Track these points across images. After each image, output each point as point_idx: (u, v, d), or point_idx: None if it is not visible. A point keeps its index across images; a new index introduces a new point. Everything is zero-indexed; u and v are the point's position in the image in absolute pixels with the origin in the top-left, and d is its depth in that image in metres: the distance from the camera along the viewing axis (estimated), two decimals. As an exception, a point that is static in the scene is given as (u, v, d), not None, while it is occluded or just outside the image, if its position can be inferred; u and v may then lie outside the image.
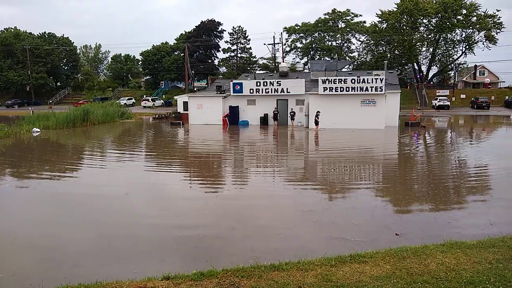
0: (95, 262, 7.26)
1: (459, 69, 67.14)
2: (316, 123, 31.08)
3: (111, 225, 9.22)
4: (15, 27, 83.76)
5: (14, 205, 11.06)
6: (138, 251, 7.71)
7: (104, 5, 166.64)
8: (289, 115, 34.69)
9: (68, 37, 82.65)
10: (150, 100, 64.17)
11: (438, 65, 70.08)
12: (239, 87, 36.28)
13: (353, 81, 30.87)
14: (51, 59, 76.70)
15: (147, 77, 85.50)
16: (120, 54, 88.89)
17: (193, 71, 66.41)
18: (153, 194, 12.11)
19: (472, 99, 56.89)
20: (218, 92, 38.07)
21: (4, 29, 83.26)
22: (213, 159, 18.94)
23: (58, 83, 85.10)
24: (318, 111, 31.21)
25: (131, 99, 69.62)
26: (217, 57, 78.96)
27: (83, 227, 9.15)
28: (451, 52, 66.58)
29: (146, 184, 13.45)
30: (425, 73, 70.68)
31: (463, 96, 61.13)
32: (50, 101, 73.64)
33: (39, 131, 31.24)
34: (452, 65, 66.78)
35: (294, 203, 10.96)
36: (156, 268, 6.74)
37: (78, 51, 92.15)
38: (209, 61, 75.79)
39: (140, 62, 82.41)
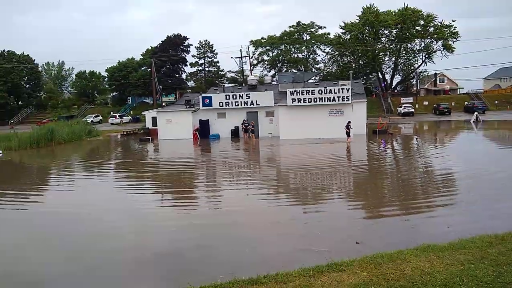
0: (71, 287, 7.01)
1: (421, 77, 69.93)
2: (348, 134, 28.68)
3: (83, 249, 8.93)
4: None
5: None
6: (115, 274, 7.50)
7: (65, 21, 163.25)
8: (241, 127, 35.09)
9: (28, 55, 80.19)
10: (117, 117, 63.01)
11: (401, 74, 72.60)
12: (208, 100, 36.39)
13: (320, 91, 31.46)
14: (11, 78, 74.14)
15: (114, 94, 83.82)
16: (85, 71, 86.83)
17: (160, 86, 65.60)
18: (124, 215, 11.83)
19: (434, 105, 58.93)
20: (187, 106, 37.82)
21: (-40, 47, 79.79)
22: (185, 175, 18.74)
23: (20, 102, 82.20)
24: (350, 121, 28.97)
25: (98, 116, 68.00)
26: (185, 71, 78.17)
27: (53, 251, 8.82)
28: (412, 61, 69.07)
29: (117, 204, 13.14)
30: (389, 82, 72.89)
31: (425, 103, 63.27)
32: (12, 121, 70.95)
33: (1, 153, 29.95)
34: (414, 73, 69.38)
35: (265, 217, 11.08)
36: (132, 289, 6.54)
37: (40, 68, 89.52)
38: (177, 75, 75.22)
39: (106, 78, 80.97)
